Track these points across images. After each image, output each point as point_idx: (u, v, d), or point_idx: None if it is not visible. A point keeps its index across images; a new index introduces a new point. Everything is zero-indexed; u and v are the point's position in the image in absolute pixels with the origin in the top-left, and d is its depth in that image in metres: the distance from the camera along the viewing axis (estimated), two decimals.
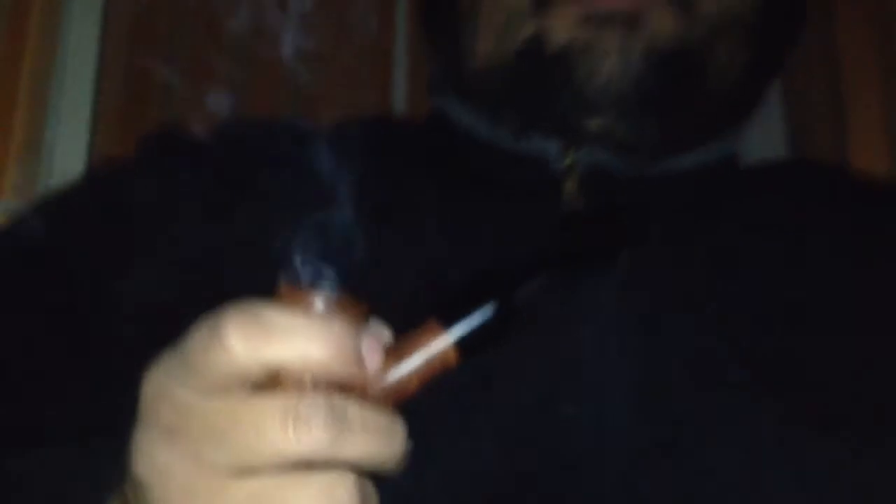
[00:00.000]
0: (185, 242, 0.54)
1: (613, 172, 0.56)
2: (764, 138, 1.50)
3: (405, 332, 0.35)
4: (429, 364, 0.34)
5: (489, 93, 0.59)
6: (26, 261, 0.55)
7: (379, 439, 0.32)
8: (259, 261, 0.42)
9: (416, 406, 0.34)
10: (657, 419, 0.46)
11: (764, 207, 0.56)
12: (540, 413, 0.46)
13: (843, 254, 0.53)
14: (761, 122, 1.52)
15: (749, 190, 0.59)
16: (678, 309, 0.49)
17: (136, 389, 0.34)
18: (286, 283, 0.34)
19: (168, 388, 0.32)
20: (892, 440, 0.47)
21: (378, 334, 0.34)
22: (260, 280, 0.34)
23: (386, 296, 0.37)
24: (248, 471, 0.31)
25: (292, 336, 0.32)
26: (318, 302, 0.33)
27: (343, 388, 0.32)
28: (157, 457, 0.32)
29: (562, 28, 0.55)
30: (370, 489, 0.33)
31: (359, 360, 0.33)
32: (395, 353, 0.34)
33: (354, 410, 0.32)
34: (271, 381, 0.32)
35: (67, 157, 1.45)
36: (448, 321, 0.34)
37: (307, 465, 0.31)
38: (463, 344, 0.34)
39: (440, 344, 0.34)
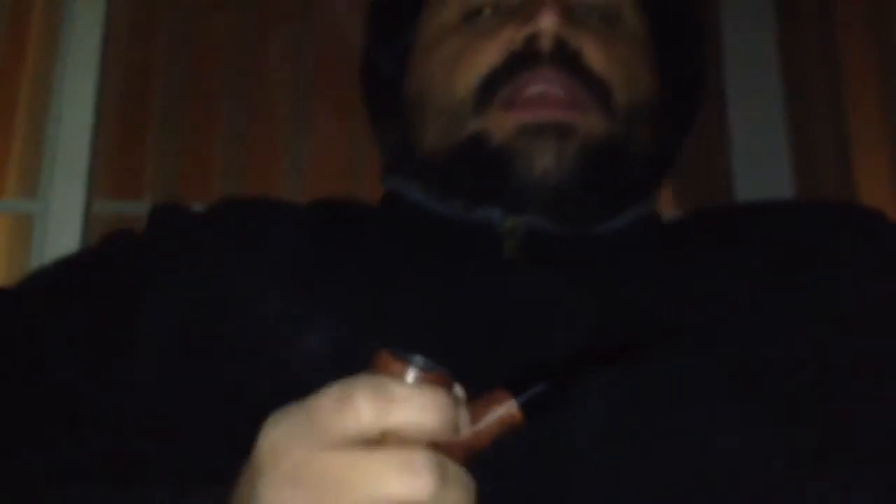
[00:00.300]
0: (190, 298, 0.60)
1: (549, 233, 0.63)
2: (764, 140, 1.50)
3: (475, 398, 0.42)
4: (500, 425, 0.41)
5: (437, 175, 0.66)
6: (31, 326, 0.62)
7: (469, 493, 0.38)
8: (252, 325, 0.53)
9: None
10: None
11: (677, 254, 0.64)
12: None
13: (735, 283, 0.60)
14: (762, 122, 1.52)
15: (665, 241, 0.67)
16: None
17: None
18: (385, 354, 0.40)
19: (291, 442, 0.38)
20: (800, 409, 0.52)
21: (461, 399, 0.41)
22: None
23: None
24: None
25: (411, 406, 0.38)
26: (412, 373, 0.39)
27: (437, 445, 0.38)
28: (279, 501, 0.37)
29: (499, 135, 0.63)
30: None
31: (457, 425, 0.39)
32: (472, 413, 0.41)
33: (452, 465, 0.38)
34: (379, 439, 0.38)
35: (67, 156, 1.46)
36: (515, 390, 0.41)
37: None
38: (527, 408, 0.41)
39: (510, 408, 0.41)
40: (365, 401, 0.38)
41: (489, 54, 0.65)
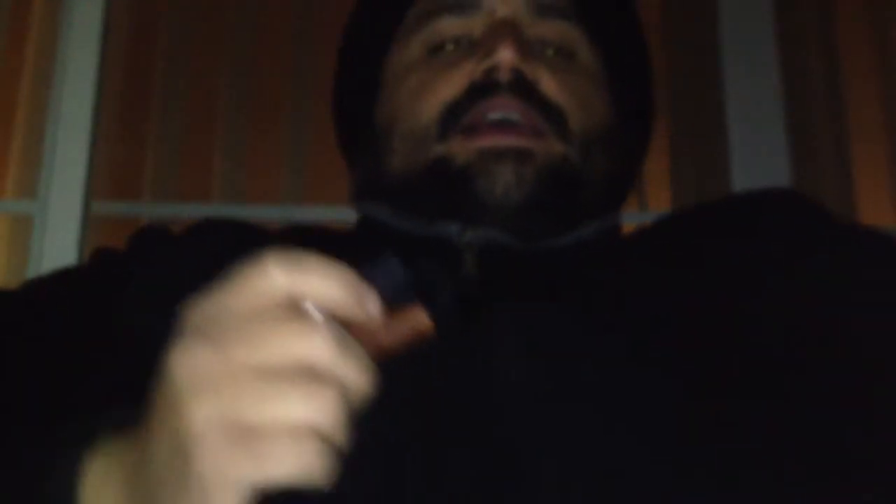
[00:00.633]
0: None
1: (506, 247, 0.67)
2: (764, 140, 1.50)
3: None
4: (410, 328, 0.45)
5: (403, 196, 0.71)
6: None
7: (363, 373, 0.41)
8: None
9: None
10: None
11: (628, 264, 0.67)
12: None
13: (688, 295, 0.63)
14: (761, 121, 1.52)
15: (622, 254, 0.71)
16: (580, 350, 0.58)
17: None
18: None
19: (212, 308, 0.42)
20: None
21: (377, 300, 0.44)
22: None
23: None
24: (268, 370, 0.40)
25: (320, 274, 0.42)
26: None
27: (346, 329, 0.42)
28: (192, 355, 0.41)
29: (462, 158, 0.67)
30: (346, 420, 0.41)
31: (364, 308, 0.42)
32: (387, 318, 0.44)
33: (353, 342, 0.41)
34: (295, 314, 0.42)
35: (66, 157, 1.46)
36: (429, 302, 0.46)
37: (314, 375, 0.40)
38: (437, 318, 0.45)
39: (420, 314, 0.45)
40: (276, 266, 0.41)
41: (451, 85, 0.70)
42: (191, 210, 1.50)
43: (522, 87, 0.68)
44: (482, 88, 0.68)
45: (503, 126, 0.68)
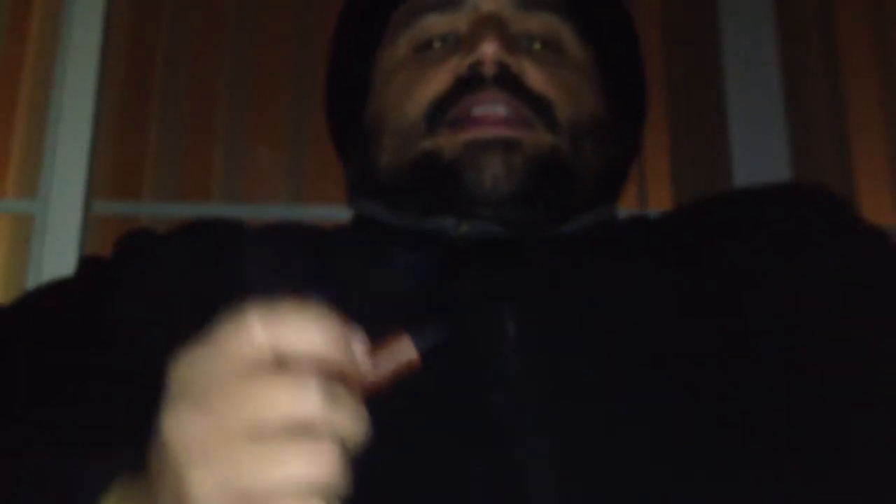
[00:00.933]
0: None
1: (500, 238, 0.68)
2: (764, 139, 1.50)
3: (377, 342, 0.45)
4: (397, 364, 0.44)
5: (394, 191, 0.72)
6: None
7: (355, 419, 0.41)
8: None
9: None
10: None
11: (627, 258, 0.68)
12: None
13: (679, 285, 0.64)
14: (762, 121, 1.52)
15: (621, 248, 0.71)
16: (570, 335, 0.60)
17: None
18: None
19: (197, 368, 0.41)
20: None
21: (361, 338, 0.44)
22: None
23: None
24: (260, 431, 0.39)
25: (301, 326, 0.41)
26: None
27: (333, 377, 0.41)
28: (184, 421, 0.40)
29: (449, 151, 0.68)
30: (346, 466, 0.40)
31: (349, 353, 0.42)
32: (372, 354, 0.44)
33: (342, 391, 0.41)
34: (280, 369, 0.41)
35: (67, 156, 1.46)
36: (413, 334, 0.45)
37: (306, 431, 0.39)
38: (424, 350, 0.45)
39: (407, 349, 0.44)
40: (257, 322, 0.41)
41: (438, 81, 0.71)
42: (191, 210, 1.50)
43: (508, 80, 0.69)
44: (467, 82, 0.69)
45: (489, 118, 0.68)
